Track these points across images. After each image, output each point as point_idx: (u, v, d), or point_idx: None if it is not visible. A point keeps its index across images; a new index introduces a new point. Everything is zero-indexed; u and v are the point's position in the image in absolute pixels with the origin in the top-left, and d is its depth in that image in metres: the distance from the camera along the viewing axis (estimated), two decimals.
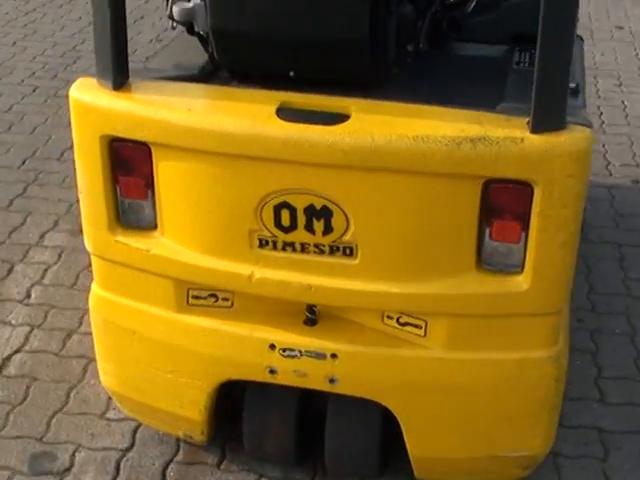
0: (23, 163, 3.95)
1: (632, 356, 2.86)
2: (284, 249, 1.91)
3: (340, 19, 1.94)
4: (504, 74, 2.17)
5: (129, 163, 1.94)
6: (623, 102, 4.86)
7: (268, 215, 1.87)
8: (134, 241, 2.01)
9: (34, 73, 4.91)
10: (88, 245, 2.09)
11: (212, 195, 1.89)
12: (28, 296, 3.05)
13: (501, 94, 2.03)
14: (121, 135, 1.89)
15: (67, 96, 1.96)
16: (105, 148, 1.92)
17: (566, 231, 1.83)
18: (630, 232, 3.60)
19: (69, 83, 1.99)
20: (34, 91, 4.67)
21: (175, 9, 2.12)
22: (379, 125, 1.79)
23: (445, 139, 1.75)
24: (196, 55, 2.16)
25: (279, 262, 1.92)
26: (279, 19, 1.96)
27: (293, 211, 1.86)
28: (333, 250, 1.89)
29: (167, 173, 1.92)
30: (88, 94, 1.91)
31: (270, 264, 1.93)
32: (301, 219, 1.87)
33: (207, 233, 1.94)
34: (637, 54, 5.64)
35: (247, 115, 1.82)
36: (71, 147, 4.06)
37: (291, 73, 2.04)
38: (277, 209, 1.86)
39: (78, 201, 3.55)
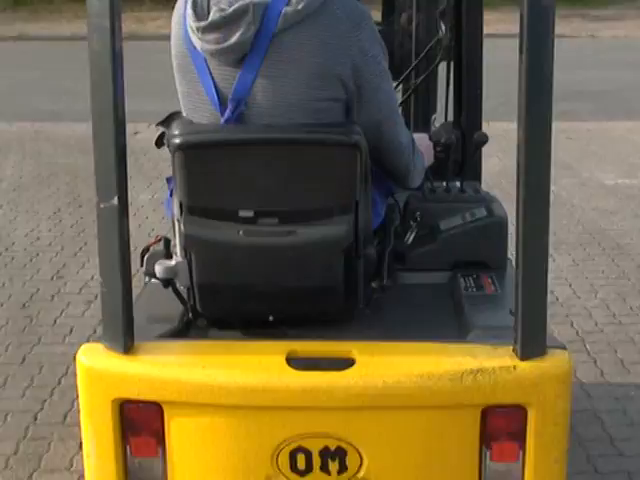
0: None
1: None
2: None
3: (318, 269, 2.14)
4: (458, 300, 2.39)
5: (141, 423, 2.00)
6: None
7: (284, 461, 1.95)
8: None
9: None
10: None
11: (227, 446, 1.96)
12: None
13: (465, 322, 2.23)
14: (135, 398, 1.95)
15: None
16: (116, 411, 1.97)
17: (559, 446, 2.00)
18: None
19: None
20: None
21: (158, 268, 2.24)
22: (385, 367, 1.94)
23: (448, 374, 1.91)
24: (168, 306, 2.28)
25: None
26: (262, 274, 2.13)
27: (308, 454, 1.95)
28: None
29: (179, 428, 1.98)
30: (98, 360, 1.98)
31: None
32: (316, 461, 1.96)
33: None
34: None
35: (261, 368, 1.94)
36: None
37: (270, 317, 2.19)
38: (293, 454, 1.95)
39: None
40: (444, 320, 2.32)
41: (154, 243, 2.44)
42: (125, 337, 1.97)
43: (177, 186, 2.10)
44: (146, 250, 2.40)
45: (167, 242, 2.39)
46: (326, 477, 1.97)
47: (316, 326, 2.16)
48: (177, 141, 2.05)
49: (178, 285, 2.27)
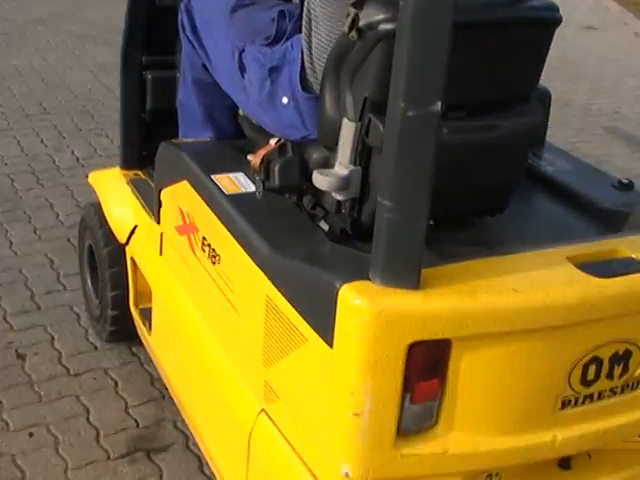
0: None
1: None
2: (583, 403, 1.87)
3: (514, 162, 2.03)
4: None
5: (429, 366, 1.72)
6: None
7: (576, 376, 1.82)
8: (422, 448, 1.77)
9: None
10: (354, 474, 1.77)
11: (520, 373, 1.77)
12: None
13: None
14: (428, 338, 1.67)
15: None
16: (405, 356, 1.68)
17: None
18: None
19: None
20: None
21: (322, 179, 1.90)
22: None
23: None
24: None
25: (577, 418, 1.88)
26: (461, 171, 1.90)
27: (599, 364, 1.83)
28: (624, 389, 1.91)
29: (467, 364, 1.74)
30: (389, 302, 1.65)
31: (568, 422, 1.87)
32: (605, 369, 1.85)
33: (508, 413, 1.81)
34: None
35: (562, 281, 1.75)
36: None
37: (431, 222, 1.96)
38: (586, 366, 1.82)
39: None
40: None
41: (270, 150, 2.11)
42: (418, 271, 1.66)
43: (365, 81, 1.80)
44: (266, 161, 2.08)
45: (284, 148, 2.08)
46: (609, 382, 1.87)
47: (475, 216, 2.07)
48: (387, 27, 1.71)
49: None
